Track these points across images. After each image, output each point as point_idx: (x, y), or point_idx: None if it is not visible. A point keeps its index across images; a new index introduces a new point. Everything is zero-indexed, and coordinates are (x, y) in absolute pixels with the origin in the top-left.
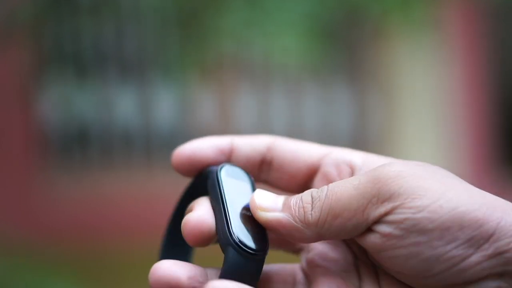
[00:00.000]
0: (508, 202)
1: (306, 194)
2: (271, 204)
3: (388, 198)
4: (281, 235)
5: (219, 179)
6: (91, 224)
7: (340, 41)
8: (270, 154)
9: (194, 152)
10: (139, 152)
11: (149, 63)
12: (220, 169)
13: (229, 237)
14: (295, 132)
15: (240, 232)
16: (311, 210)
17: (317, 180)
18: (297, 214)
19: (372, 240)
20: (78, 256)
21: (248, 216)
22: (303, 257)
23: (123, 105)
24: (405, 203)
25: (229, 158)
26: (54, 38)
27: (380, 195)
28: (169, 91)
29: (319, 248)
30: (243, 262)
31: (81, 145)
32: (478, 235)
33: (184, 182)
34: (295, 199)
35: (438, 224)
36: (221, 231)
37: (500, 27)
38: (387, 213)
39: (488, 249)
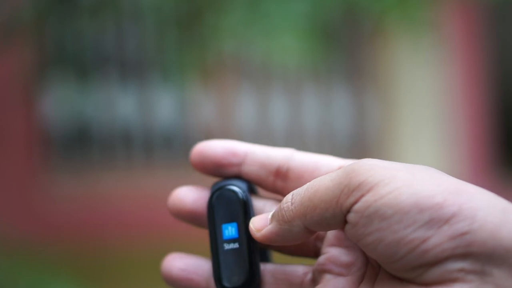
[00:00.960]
0: (483, 190)
1: (287, 195)
2: (263, 222)
3: (357, 187)
4: (281, 244)
5: (210, 210)
6: (91, 224)
7: (339, 41)
8: (287, 164)
9: (205, 150)
10: (139, 151)
11: (149, 63)
12: (213, 196)
13: (217, 280)
14: (295, 132)
15: (228, 273)
16: (291, 205)
17: None
18: (281, 217)
19: (348, 230)
20: (78, 255)
21: (235, 250)
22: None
23: (124, 105)
24: (369, 192)
25: (242, 162)
26: (56, 39)
27: (350, 185)
28: (169, 92)
29: (332, 251)
30: None
31: (82, 145)
32: (437, 217)
33: (184, 182)
34: (278, 205)
35: (397, 209)
36: (212, 270)
37: (499, 26)
38: (355, 202)
39: (448, 230)
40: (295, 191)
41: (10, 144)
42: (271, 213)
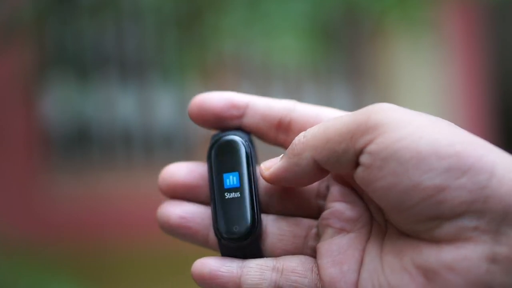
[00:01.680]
0: (496, 147)
1: (302, 132)
2: (273, 161)
3: (373, 127)
4: (287, 183)
5: (211, 160)
6: (92, 224)
7: (339, 41)
8: (289, 116)
9: (204, 101)
10: (139, 151)
11: (149, 63)
12: (214, 146)
13: (217, 230)
14: None
15: (229, 222)
16: (303, 138)
17: None
18: (291, 151)
19: (359, 174)
20: (78, 255)
21: (236, 199)
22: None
23: (124, 105)
24: (386, 133)
25: (242, 114)
26: (56, 39)
27: (368, 122)
28: (169, 92)
29: (336, 206)
30: (235, 249)
31: (82, 144)
32: (456, 166)
33: None
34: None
35: (415, 154)
36: (212, 220)
37: (499, 27)
38: (369, 142)
39: (466, 182)
40: (309, 128)
41: (10, 144)
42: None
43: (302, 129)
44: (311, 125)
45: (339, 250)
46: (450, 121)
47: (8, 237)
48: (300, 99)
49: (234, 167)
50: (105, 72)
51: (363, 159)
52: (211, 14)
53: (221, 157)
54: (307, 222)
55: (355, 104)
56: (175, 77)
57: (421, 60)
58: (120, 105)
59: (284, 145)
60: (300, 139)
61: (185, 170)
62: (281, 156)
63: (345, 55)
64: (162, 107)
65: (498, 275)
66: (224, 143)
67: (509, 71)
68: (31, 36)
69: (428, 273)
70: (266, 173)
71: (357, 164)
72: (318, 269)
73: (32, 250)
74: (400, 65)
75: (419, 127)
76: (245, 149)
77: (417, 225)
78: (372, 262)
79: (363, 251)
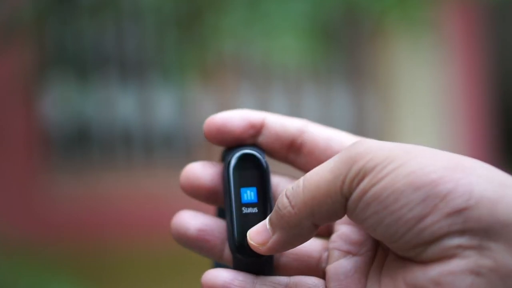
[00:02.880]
0: (481, 164)
1: (282, 199)
2: (264, 235)
3: (355, 175)
4: (291, 249)
5: (229, 173)
6: (91, 224)
7: (339, 41)
8: (301, 138)
9: (224, 124)
10: (139, 151)
11: (149, 63)
12: (231, 160)
13: (233, 245)
14: None
15: (243, 236)
16: (293, 209)
17: None
18: (286, 224)
19: (349, 216)
20: (78, 255)
21: (253, 214)
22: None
23: (124, 105)
24: (366, 178)
25: (258, 133)
26: (56, 39)
27: (349, 174)
28: (169, 91)
29: (342, 229)
30: (247, 264)
31: (82, 145)
32: (433, 195)
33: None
34: (274, 213)
35: (393, 190)
36: (227, 234)
37: (499, 26)
38: (352, 191)
39: (444, 208)
40: (290, 193)
41: (10, 144)
42: (267, 222)
43: (312, 152)
44: (320, 150)
45: (346, 274)
46: (451, 122)
47: (8, 237)
48: (300, 99)
49: (253, 182)
50: (105, 72)
51: (349, 204)
52: (211, 14)
53: (240, 171)
54: (321, 244)
55: (355, 104)
56: (175, 77)
57: (421, 60)
58: (120, 105)
59: (292, 165)
60: (289, 210)
61: (210, 172)
62: (268, 225)
63: (345, 55)
64: (162, 107)
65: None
66: (243, 157)
67: (509, 71)
68: (31, 36)
69: None
70: (263, 249)
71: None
72: None
73: (32, 250)
74: (400, 65)
75: (397, 164)
76: (264, 165)
77: (407, 252)
78: (373, 284)
79: (367, 275)
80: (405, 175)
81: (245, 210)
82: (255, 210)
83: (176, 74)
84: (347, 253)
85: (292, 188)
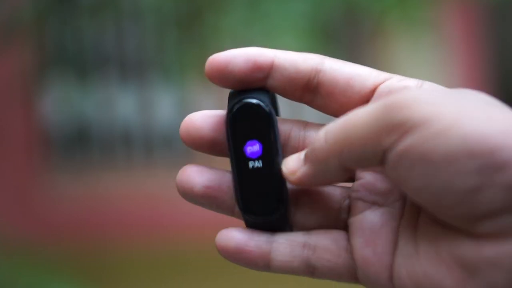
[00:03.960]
0: None
1: (320, 132)
2: (297, 163)
3: (399, 126)
4: (318, 185)
5: (230, 127)
6: (91, 224)
7: (339, 41)
8: (316, 78)
9: (227, 64)
10: (139, 151)
11: (149, 63)
12: (233, 112)
13: (240, 204)
14: None
15: (251, 194)
16: (325, 143)
17: None
18: (314, 157)
19: (388, 171)
20: (78, 255)
21: (259, 169)
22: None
23: (123, 105)
24: (413, 132)
25: (267, 76)
26: (56, 39)
27: (392, 122)
28: (169, 91)
29: (367, 177)
30: (260, 223)
31: (82, 145)
32: (489, 164)
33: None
34: (311, 145)
35: (445, 154)
36: (234, 192)
37: (499, 27)
38: (396, 143)
39: (502, 180)
40: (328, 128)
41: (10, 143)
42: (303, 153)
43: (330, 94)
44: (340, 91)
45: (372, 228)
46: None
47: (8, 237)
48: None
49: (258, 134)
50: (105, 72)
51: (390, 158)
52: (211, 14)
53: (243, 123)
54: (340, 192)
55: None
56: (175, 77)
57: (421, 60)
58: (120, 105)
59: (310, 104)
60: (321, 144)
61: (211, 121)
62: (303, 155)
63: (345, 55)
64: (162, 106)
65: None
66: (246, 107)
67: (509, 71)
68: (31, 36)
69: (468, 268)
70: (292, 178)
71: (385, 161)
72: (351, 249)
73: (32, 250)
74: (400, 65)
75: (448, 121)
76: (270, 115)
77: (456, 222)
78: (407, 246)
79: (397, 230)
80: (459, 138)
81: (251, 164)
82: (261, 164)
83: (176, 74)
84: (373, 203)
85: (331, 125)
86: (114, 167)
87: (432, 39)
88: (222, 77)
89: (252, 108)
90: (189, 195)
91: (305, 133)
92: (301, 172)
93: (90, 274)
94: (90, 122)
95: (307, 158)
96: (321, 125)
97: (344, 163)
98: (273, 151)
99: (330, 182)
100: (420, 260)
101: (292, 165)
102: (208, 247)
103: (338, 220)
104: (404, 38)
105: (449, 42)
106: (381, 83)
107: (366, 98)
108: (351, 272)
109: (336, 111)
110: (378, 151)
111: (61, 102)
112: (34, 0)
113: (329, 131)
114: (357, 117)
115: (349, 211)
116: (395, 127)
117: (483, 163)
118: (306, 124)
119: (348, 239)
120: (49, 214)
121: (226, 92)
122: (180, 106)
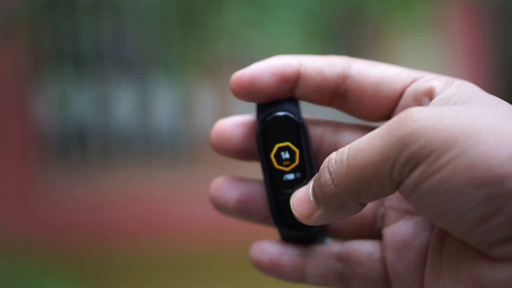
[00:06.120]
0: None
1: (323, 173)
2: (308, 207)
3: (408, 161)
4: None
5: (262, 139)
6: (90, 224)
7: (340, 40)
8: (344, 85)
9: (253, 81)
10: (138, 151)
11: (148, 62)
12: (263, 125)
13: (275, 217)
14: None
15: (286, 208)
16: (336, 189)
17: (396, 114)
18: (330, 202)
19: (405, 198)
20: (77, 256)
21: (293, 181)
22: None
23: (122, 104)
24: (421, 165)
25: (294, 87)
26: (52, 36)
27: (401, 158)
28: (168, 91)
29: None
30: (294, 236)
31: (79, 144)
32: (497, 194)
33: (185, 182)
34: (316, 185)
35: (451, 186)
36: (268, 205)
37: (503, 27)
38: (407, 175)
39: (511, 209)
40: (332, 170)
41: (7, 143)
42: (310, 193)
43: (359, 100)
44: (369, 97)
45: (404, 240)
46: None
47: (8, 237)
48: None
49: (290, 146)
50: (103, 71)
51: (403, 190)
52: (212, 13)
53: (274, 135)
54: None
55: None
56: (174, 76)
57: (424, 60)
58: (118, 104)
59: (340, 109)
60: (332, 190)
61: (241, 132)
62: (311, 195)
63: (347, 55)
64: (162, 106)
65: None
66: (276, 119)
67: None
68: (28, 34)
69: None
70: (309, 221)
71: (400, 191)
72: (385, 261)
73: (31, 251)
74: (403, 65)
75: (456, 152)
76: (301, 126)
77: (472, 244)
78: (435, 261)
79: (428, 243)
80: (465, 169)
81: (285, 177)
82: (293, 176)
83: (175, 73)
84: (406, 212)
85: (335, 162)
86: (113, 167)
87: (436, 39)
88: (250, 95)
89: (283, 120)
90: (223, 210)
91: (337, 138)
92: (317, 217)
93: (89, 274)
94: (88, 121)
95: (319, 201)
96: (355, 125)
97: (363, 201)
98: (306, 162)
99: (350, 216)
100: (443, 277)
101: (304, 209)
102: (208, 248)
103: (373, 229)
104: (407, 38)
105: (452, 42)
106: (409, 84)
107: (394, 102)
108: (386, 285)
109: (366, 116)
110: (392, 185)
111: (58, 101)
112: (30, 0)
113: (336, 174)
114: (363, 155)
115: (383, 220)
116: (403, 163)
117: (491, 193)
118: (338, 126)
119: (382, 250)
120: (47, 214)
121: (228, 90)
122: (180, 106)
